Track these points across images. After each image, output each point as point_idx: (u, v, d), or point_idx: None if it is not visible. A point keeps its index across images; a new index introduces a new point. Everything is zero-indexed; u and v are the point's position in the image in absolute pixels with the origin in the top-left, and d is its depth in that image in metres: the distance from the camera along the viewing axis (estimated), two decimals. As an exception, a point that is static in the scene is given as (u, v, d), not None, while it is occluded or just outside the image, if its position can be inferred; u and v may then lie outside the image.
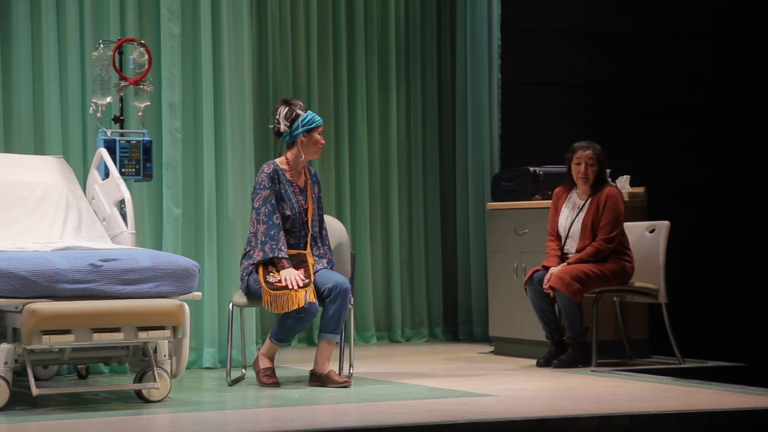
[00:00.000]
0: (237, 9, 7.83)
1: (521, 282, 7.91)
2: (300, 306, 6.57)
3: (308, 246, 6.86)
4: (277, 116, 6.87)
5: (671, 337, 7.67)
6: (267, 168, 6.85)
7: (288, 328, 6.70)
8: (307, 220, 6.87)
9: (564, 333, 7.61)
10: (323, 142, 6.92)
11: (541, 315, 7.63)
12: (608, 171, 7.82)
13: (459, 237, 9.63)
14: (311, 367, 6.83)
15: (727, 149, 10.22)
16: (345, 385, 6.67)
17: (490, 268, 8.68)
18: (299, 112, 6.84)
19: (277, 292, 6.60)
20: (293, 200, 6.84)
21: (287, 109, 6.86)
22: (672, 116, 10.14)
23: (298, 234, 6.86)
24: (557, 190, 7.84)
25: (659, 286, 7.67)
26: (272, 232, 6.72)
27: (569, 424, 5.48)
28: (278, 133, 6.89)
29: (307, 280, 6.64)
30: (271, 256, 6.69)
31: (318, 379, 6.74)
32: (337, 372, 6.85)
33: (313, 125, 6.85)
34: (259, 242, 6.73)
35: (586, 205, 7.65)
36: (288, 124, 6.84)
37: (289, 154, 6.90)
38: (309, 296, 6.59)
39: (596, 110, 9.91)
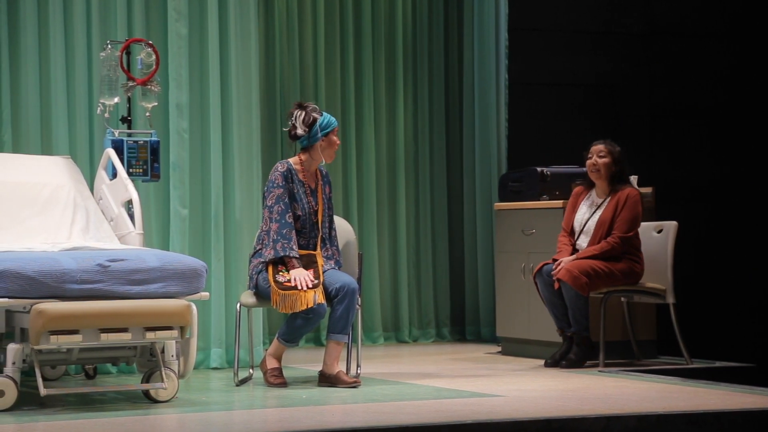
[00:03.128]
0: (244, 9, 7.83)
1: (528, 282, 7.91)
2: (309, 306, 6.57)
3: (318, 247, 6.86)
4: (293, 120, 6.86)
5: (679, 337, 7.65)
6: (281, 167, 6.84)
7: (296, 328, 6.70)
8: (317, 222, 6.87)
9: (575, 327, 7.60)
10: (339, 142, 6.93)
11: (552, 309, 7.59)
12: (633, 176, 7.79)
13: (466, 237, 9.62)
14: (318, 368, 6.83)
15: (735, 149, 10.20)
16: (354, 385, 6.67)
17: (497, 269, 8.67)
18: (316, 116, 6.83)
19: (287, 292, 6.60)
20: (304, 201, 6.84)
21: (303, 113, 6.83)
22: (680, 116, 10.12)
23: (309, 235, 6.86)
24: (577, 188, 7.81)
25: (667, 286, 7.66)
26: (284, 231, 6.72)
27: (577, 425, 5.48)
28: (294, 137, 6.88)
29: (316, 281, 6.64)
30: (282, 254, 6.69)
31: (327, 379, 6.74)
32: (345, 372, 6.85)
33: (330, 128, 6.85)
34: (271, 240, 6.72)
35: (605, 203, 7.63)
36: (306, 128, 6.82)
37: (303, 156, 6.89)
38: (318, 297, 6.59)
39: (604, 110, 9.89)
